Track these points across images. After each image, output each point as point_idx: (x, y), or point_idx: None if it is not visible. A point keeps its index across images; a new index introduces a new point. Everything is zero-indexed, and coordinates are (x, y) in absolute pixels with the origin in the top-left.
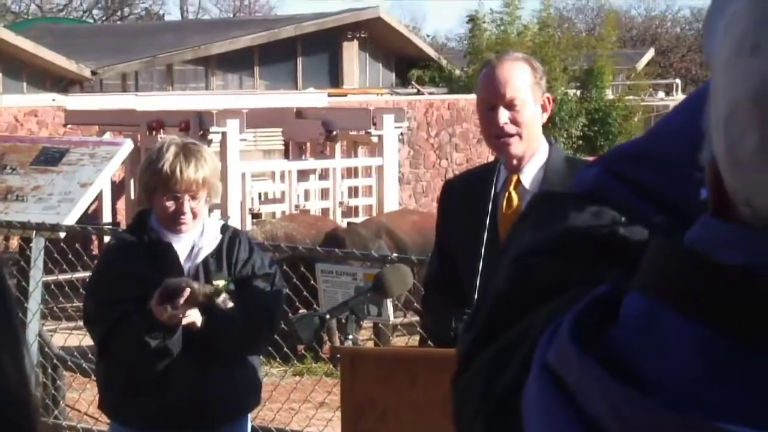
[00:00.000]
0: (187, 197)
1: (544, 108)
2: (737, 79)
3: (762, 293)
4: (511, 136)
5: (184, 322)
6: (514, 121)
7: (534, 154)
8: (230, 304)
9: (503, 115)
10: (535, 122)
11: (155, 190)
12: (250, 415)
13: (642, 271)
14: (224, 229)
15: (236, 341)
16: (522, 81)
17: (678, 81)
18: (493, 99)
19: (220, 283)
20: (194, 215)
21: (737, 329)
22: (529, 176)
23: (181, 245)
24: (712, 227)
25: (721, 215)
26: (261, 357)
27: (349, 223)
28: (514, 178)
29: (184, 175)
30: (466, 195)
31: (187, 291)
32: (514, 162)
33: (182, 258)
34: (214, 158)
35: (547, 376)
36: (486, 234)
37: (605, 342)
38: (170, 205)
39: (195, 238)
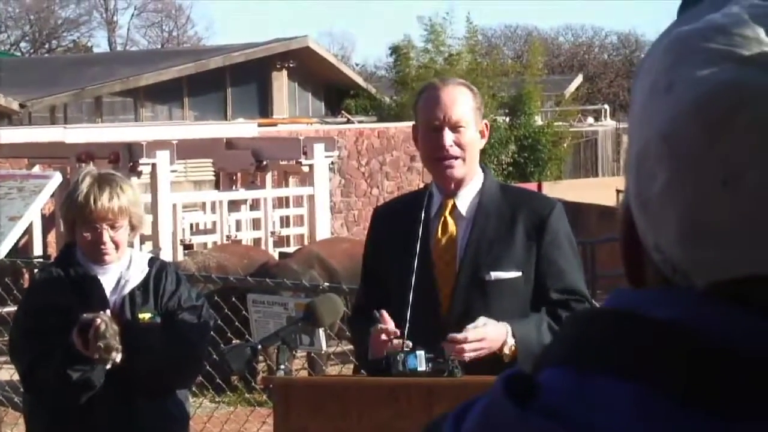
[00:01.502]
0: (105, 226)
1: (482, 134)
2: (650, 119)
3: (690, 349)
4: (456, 158)
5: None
6: (458, 144)
7: (470, 180)
8: (119, 359)
9: (448, 137)
10: (475, 147)
11: (74, 222)
12: None
13: (559, 346)
14: (152, 262)
15: (160, 375)
16: (466, 105)
17: (606, 106)
18: (438, 120)
19: (146, 315)
20: (116, 245)
21: (671, 386)
22: (465, 202)
23: (107, 277)
24: (631, 292)
25: (635, 279)
26: (193, 388)
27: (281, 254)
28: (450, 203)
29: (98, 205)
30: (396, 221)
31: (101, 324)
32: (452, 186)
33: (108, 290)
34: (132, 187)
35: None
36: (417, 261)
37: (536, 406)
38: (88, 235)
39: (122, 270)
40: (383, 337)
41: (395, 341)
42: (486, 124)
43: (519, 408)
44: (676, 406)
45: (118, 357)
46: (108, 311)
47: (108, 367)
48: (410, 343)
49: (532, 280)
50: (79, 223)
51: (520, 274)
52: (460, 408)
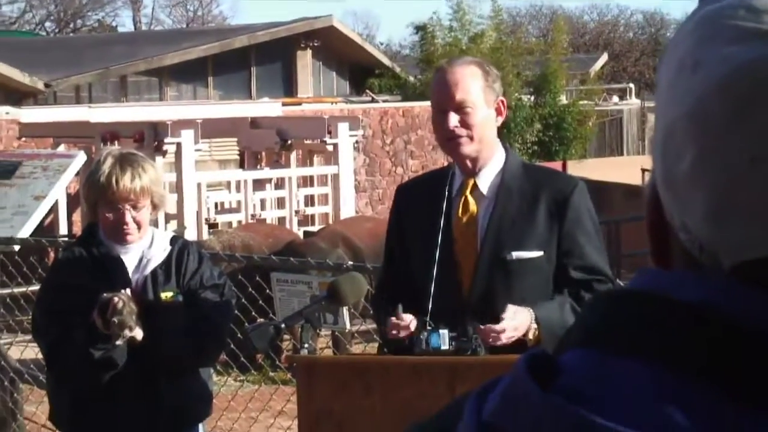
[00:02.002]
0: (127, 207)
1: (498, 111)
2: (677, 98)
3: (717, 331)
4: (461, 137)
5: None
6: (464, 124)
7: (490, 159)
8: (139, 336)
9: (453, 118)
10: (487, 125)
11: (96, 203)
12: (207, 426)
13: (582, 328)
14: (174, 240)
15: (182, 354)
16: (472, 84)
17: (632, 85)
18: (443, 103)
19: (168, 294)
20: (138, 225)
21: (695, 368)
22: (486, 181)
23: (129, 257)
24: (653, 273)
25: (661, 259)
26: (217, 367)
27: (305, 233)
28: (470, 182)
29: (120, 185)
30: (419, 199)
31: (118, 302)
32: (468, 164)
33: (131, 269)
34: (154, 167)
35: None
36: (440, 238)
37: (557, 387)
38: (110, 216)
39: (144, 249)
40: (394, 332)
41: (414, 323)
42: (502, 101)
43: (540, 388)
44: (700, 389)
45: (135, 334)
46: (128, 290)
47: (119, 342)
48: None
49: (554, 260)
50: (101, 203)
51: (541, 253)
52: (482, 387)
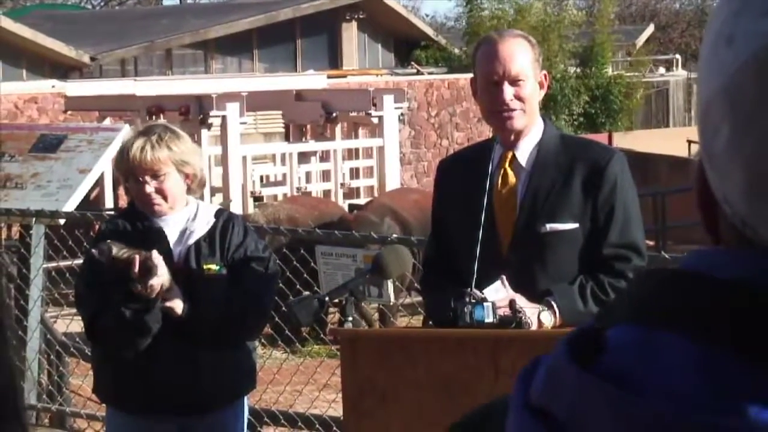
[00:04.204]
0: (147, 178)
1: (541, 85)
2: (713, 73)
3: (754, 306)
4: (515, 110)
5: (167, 304)
6: (518, 97)
7: (530, 131)
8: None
9: (508, 91)
10: (535, 98)
11: (125, 177)
12: (252, 399)
13: (628, 304)
14: (219, 213)
15: (224, 326)
16: (524, 57)
17: (678, 56)
18: (497, 74)
19: (212, 266)
20: (163, 195)
21: (736, 343)
22: (524, 153)
23: (171, 229)
24: (704, 253)
25: (712, 231)
26: (262, 340)
27: (351, 206)
28: (509, 154)
29: (131, 156)
30: (461, 174)
31: (146, 261)
32: (512, 138)
33: (172, 241)
34: (179, 137)
35: (529, 416)
36: (483, 212)
37: (599, 367)
38: (134, 188)
39: (187, 221)
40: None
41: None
42: (545, 75)
43: (578, 368)
44: (741, 365)
45: (175, 305)
46: (155, 254)
47: (154, 307)
48: (478, 293)
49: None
50: (126, 177)
51: (576, 225)
52: (526, 369)
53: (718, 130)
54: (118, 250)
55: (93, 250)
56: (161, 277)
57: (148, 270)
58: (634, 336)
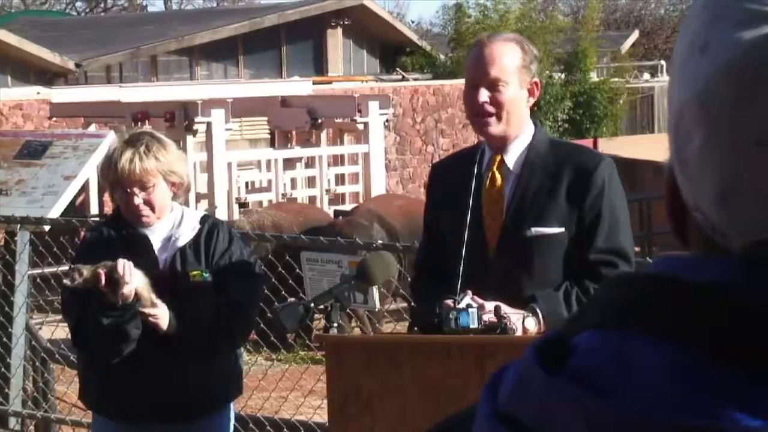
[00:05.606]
0: (135, 190)
1: (530, 92)
2: (687, 80)
3: (728, 309)
4: (490, 115)
5: (151, 312)
6: (494, 101)
7: (518, 136)
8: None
9: (483, 94)
10: (517, 105)
11: (111, 186)
12: (237, 405)
13: (598, 308)
14: (204, 219)
15: (210, 334)
16: (509, 62)
17: (663, 62)
18: (476, 77)
19: (197, 273)
20: (151, 206)
21: (709, 345)
22: (513, 156)
23: (156, 236)
24: (674, 258)
25: (681, 238)
26: (248, 346)
27: (336, 212)
28: (498, 158)
29: (119, 168)
30: (451, 177)
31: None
32: (498, 142)
33: (157, 248)
34: (165, 146)
35: (497, 423)
36: (469, 215)
37: (568, 370)
38: (121, 198)
39: (172, 228)
40: None
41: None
42: (536, 82)
43: (546, 372)
44: (712, 367)
45: (157, 311)
46: (124, 260)
47: (164, 324)
48: (464, 299)
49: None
50: (113, 187)
51: (562, 229)
52: (499, 371)
53: (690, 137)
54: (87, 272)
55: (64, 280)
56: (131, 284)
57: (116, 282)
58: (605, 339)
